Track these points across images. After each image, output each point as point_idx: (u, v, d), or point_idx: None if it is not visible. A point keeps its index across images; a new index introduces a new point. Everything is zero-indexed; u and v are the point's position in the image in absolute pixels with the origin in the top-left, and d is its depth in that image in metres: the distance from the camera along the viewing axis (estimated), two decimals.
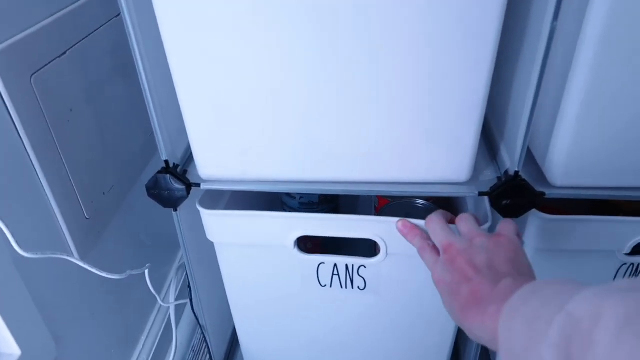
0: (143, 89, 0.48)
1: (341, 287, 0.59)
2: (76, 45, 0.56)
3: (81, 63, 0.58)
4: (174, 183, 0.53)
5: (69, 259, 0.53)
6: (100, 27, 0.61)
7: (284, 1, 0.41)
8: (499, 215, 0.51)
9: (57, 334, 0.56)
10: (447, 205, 0.64)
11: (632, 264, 0.56)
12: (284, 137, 0.49)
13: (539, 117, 0.47)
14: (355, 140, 0.49)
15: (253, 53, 0.44)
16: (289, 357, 0.72)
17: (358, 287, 0.59)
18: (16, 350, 0.50)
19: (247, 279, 0.63)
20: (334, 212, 0.62)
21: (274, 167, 0.51)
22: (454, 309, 0.42)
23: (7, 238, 0.46)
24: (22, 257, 0.47)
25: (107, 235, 0.66)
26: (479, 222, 0.49)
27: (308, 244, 0.61)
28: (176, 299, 0.76)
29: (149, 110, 0.49)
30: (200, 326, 0.71)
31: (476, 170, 0.52)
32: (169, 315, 0.75)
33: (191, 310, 0.68)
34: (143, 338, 0.77)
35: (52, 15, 0.53)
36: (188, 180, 0.54)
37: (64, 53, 0.55)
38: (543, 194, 0.50)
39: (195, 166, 0.53)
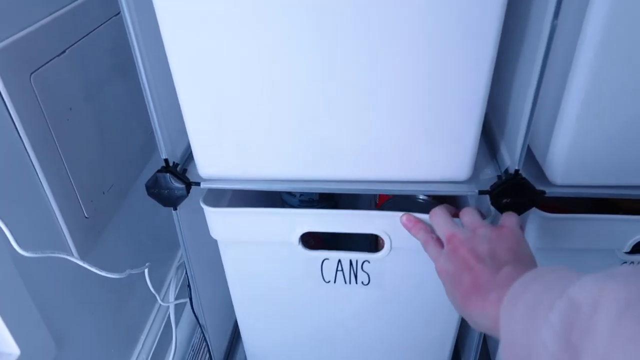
0: (143, 88, 0.48)
1: (345, 282, 0.60)
2: (76, 44, 0.56)
3: (81, 62, 0.58)
4: (174, 182, 0.53)
5: (69, 258, 0.53)
6: (100, 25, 0.61)
7: (284, 1, 0.41)
8: (500, 215, 0.51)
9: (57, 333, 0.56)
10: (448, 203, 0.64)
11: (632, 262, 0.56)
12: (284, 135, 0.49)
13: (539, 116, 0.47)
14: (355, 139, 0.49)
15: (253, 52, 0.44)
16: (292, 352, 0.72)
17: (362, 283, 0.60)
18: (15, 350, 0.50)
19: (250, 276, 0.63)
20: (334, 209, 0.62)
21: (274, 165, 0.51)
22: (456, 298, 0.42)
23: (6, 237, 0.46)
24: (22, 256, 0.47)
25: (107, 235, 0.65)
26: (483, 215, 0.49)
27: (310, 241, 0.62)
28: (176, 298, 0.76)
29: (148, 109, 0.49)
30: (200, 325, 0.71)
31: (476, 168, 0.52)
32: (169, 315, 0.75)
33: (191, 310, 0.68)
34: (143, 337, 0.77)
35: (51, 13, 0.53)
36: (188, 179, 0.54)
37: (64, 52, 0.54)
38: (543, 192, 0.50)
39: (195, 165, 0.53)
